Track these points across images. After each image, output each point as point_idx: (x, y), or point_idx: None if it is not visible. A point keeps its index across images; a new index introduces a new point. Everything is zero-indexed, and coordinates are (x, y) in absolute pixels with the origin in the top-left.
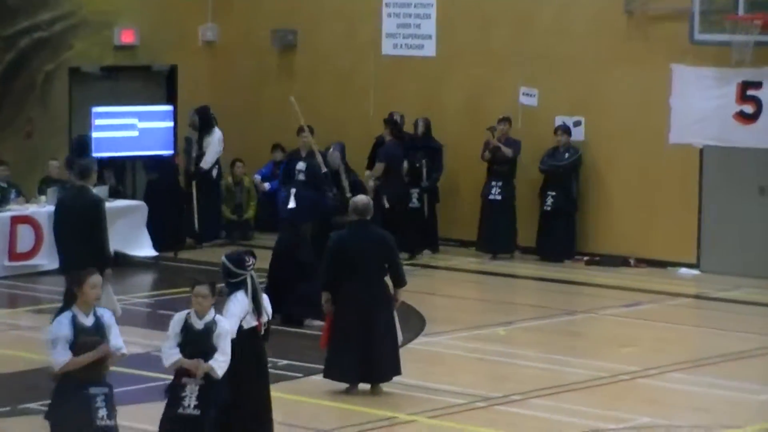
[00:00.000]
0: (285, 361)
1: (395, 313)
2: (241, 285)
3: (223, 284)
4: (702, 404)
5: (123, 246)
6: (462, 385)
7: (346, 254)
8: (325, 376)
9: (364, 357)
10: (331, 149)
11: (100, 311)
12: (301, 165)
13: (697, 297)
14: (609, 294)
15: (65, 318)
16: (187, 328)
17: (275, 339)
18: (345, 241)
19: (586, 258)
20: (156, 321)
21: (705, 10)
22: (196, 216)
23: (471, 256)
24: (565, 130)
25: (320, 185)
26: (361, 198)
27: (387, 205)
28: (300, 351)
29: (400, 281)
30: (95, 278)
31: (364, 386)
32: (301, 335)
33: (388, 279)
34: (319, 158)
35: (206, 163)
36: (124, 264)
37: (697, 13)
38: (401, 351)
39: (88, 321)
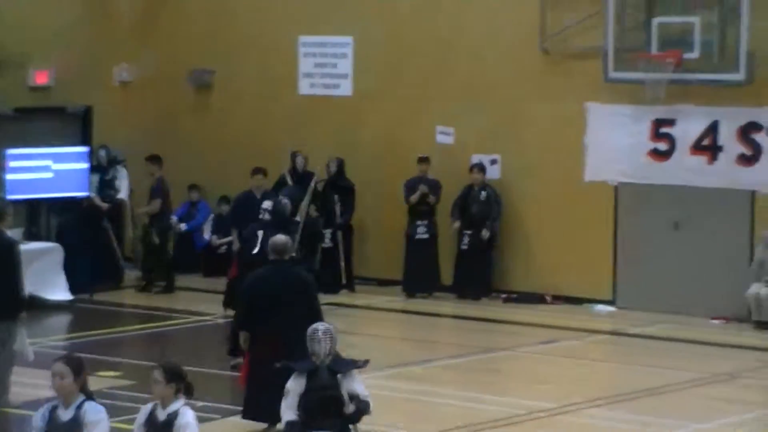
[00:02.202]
0: (201, 403)
1: None
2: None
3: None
4: None
5: (38, 289)
6: (381, 424)
7: (263, 293)
8: (243, 417)
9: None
10: (281, 197)
11: (88, 406)
12: (267, 204)
13: (612, 333)
14: (526, 331)
15: (44, 408)
16: (151, 420)
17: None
18: (262, 280)
19: (503, 296)
20: None
21: (619, 48)
22: (118, 252)
23: (389, 295)
24: (481, 168)
25: (287, 225)
26: (280, 237)
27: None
28: (217, 392)
29: (317, 321)
30: (56, 366)
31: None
32: (218, 376)
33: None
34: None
35: (125, 195)
36: (39, 307)
37: (611, 52)
38: None
39: (65, 415)
